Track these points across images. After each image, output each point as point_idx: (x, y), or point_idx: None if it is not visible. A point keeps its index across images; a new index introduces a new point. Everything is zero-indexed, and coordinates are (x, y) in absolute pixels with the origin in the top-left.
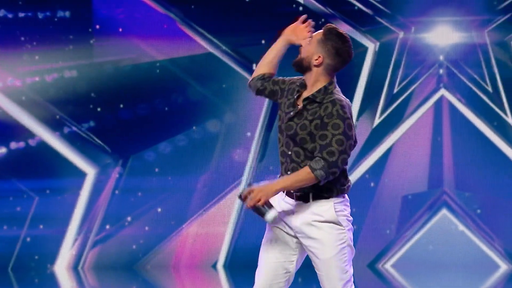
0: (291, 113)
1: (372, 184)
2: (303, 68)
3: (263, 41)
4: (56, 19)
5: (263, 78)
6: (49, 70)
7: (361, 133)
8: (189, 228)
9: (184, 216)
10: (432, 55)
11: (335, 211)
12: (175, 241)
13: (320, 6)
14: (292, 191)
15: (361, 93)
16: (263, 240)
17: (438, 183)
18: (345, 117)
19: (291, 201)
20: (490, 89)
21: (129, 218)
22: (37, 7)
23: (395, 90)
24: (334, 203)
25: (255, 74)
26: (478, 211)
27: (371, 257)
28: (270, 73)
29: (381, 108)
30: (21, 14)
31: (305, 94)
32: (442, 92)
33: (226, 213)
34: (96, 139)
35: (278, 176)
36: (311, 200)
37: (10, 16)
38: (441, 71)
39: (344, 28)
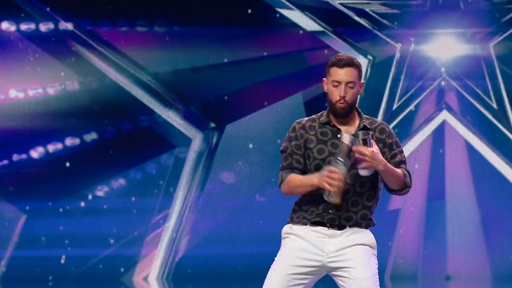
0: (337, 145)
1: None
2: (352, 110)
3: (265, 53)
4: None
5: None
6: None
7: None
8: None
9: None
10: (434, 68)
11: (373, 237)
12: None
13: (309, 19)
14: (325, 221)
15: None
16: (276, 265)
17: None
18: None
19: (323, 229)
20: (495, 105)
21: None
22: (40, 19)
23: (395, 106)
24: (370, 231)
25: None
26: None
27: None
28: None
29: None
30: (24, 26)
31: (349, 125)
32: (445, 114)
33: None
34: None
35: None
36: (348, 227)
37: (12, 28)
38: (443, 83)
39: (337, 43)
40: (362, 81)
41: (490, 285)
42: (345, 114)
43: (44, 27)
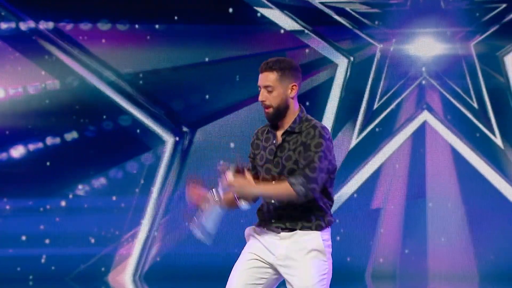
0: (272, 151)
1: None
2: (282, 114)
3: (246, 52)
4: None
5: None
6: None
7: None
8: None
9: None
10: (414, 67)
11: (322, 240)
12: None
13: (289, 19)
14: (279, 226)
15: (334, 110)
16: (236, 264)
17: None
18: (326, 137)
19: (276, 230)
20: (475, 105)
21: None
22: (20, 17)
23: (376, 106)
24: (321, 233)
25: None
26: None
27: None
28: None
29: (360, 126)
30: (4, 25)
31: (281, 129)
32: (425, 114)
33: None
34: None
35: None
36: (297, 229)
37: None
38: (423, 82)
39: (317, 42)
40: (293, 83)
41: (471, 283)
42: (271, 118)
43: (24, 26)
